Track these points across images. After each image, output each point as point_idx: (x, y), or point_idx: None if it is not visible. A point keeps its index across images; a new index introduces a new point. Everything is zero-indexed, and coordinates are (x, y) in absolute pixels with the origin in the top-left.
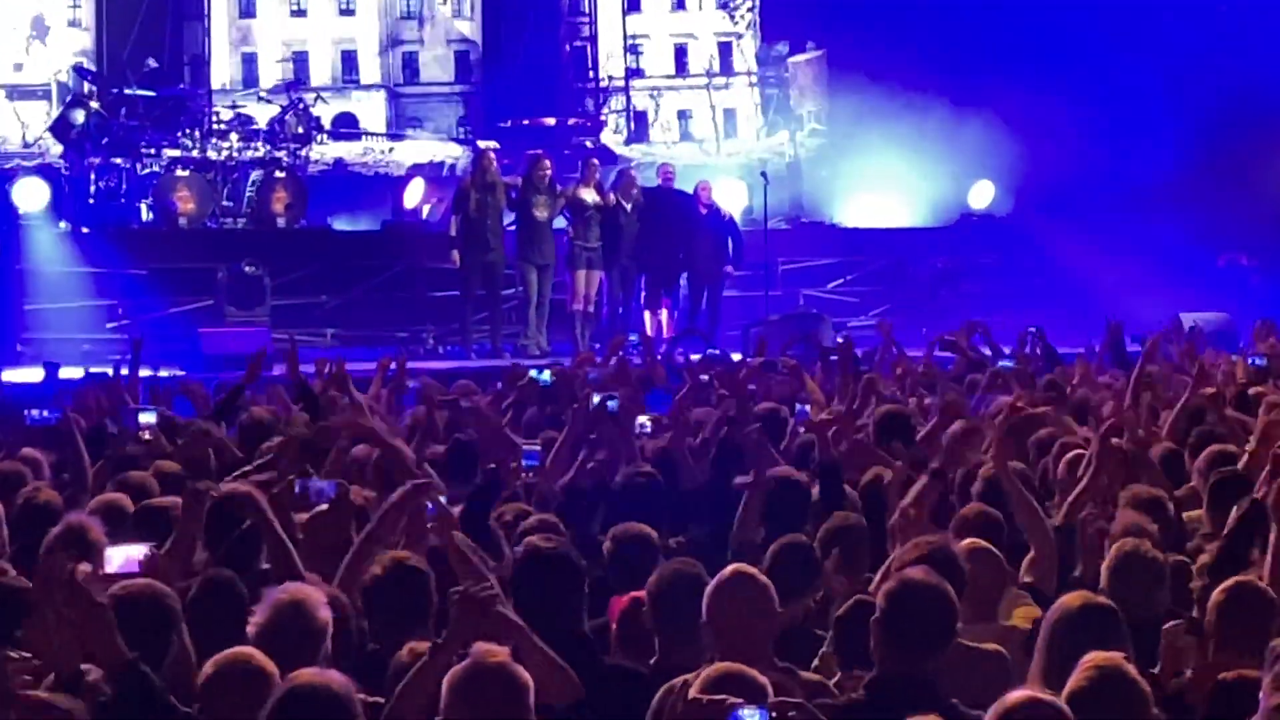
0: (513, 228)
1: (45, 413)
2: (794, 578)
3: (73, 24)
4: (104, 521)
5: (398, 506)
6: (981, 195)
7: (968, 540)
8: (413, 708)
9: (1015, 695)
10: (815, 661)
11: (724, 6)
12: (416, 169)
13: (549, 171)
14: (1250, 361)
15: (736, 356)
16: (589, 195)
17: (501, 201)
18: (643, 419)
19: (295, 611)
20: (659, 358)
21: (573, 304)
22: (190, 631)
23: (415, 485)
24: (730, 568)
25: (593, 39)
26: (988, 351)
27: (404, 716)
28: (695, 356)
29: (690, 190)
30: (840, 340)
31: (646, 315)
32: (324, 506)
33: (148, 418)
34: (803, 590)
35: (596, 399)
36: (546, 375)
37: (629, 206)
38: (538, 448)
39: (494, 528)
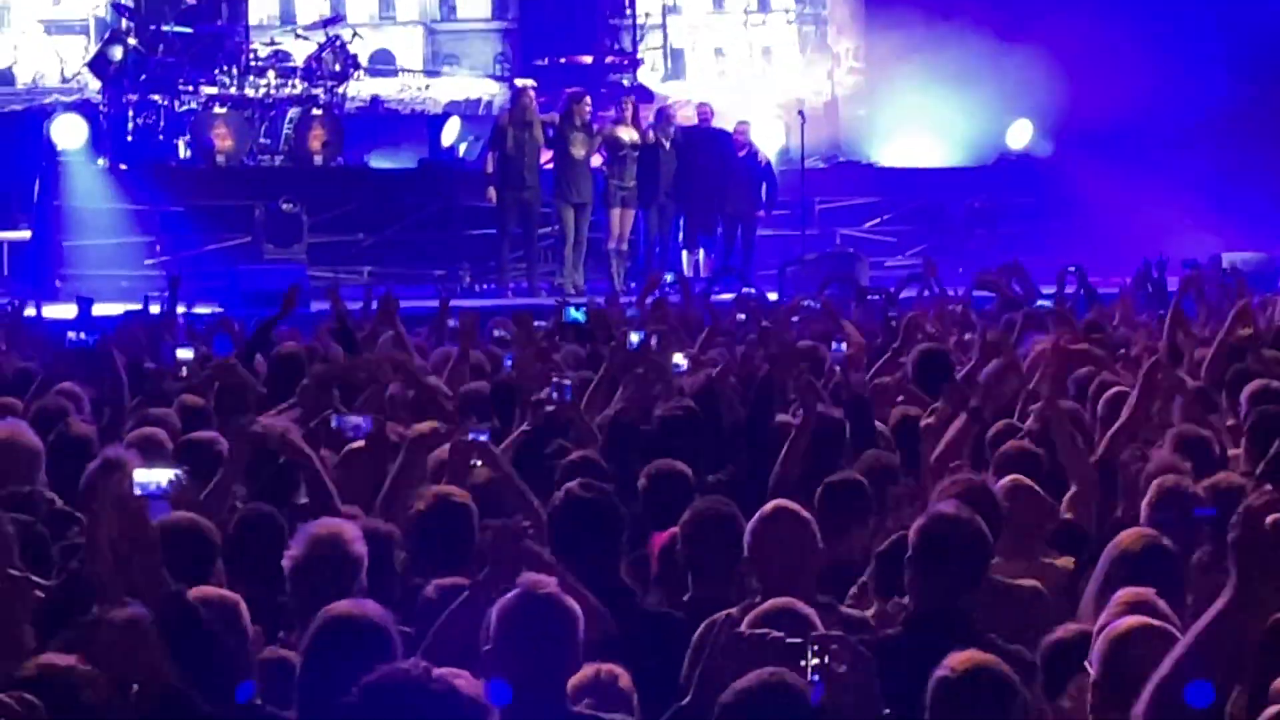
0: (549, 166)
1: (83, 334)
2: (845, 514)
3: None
4: (141, 456)
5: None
6: (1019, 134)
7: (1009, 477)
8: (451, 643)
9: (1127, 621)
10: (853, 590)
11: None
12: (453, 106)
13: (588, 110)
14: None
15: (772, 296)
16: (625, 134)
17: (539, 139)
18: (678, 358)
19: (331, 545)
20: (696, 297)
21: (609, 243)
22: (230, 565)
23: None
24: (772, 503)
25: None
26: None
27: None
28: (729, 295)
29: (728, 129)
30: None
31: (684, 254)
32: (359, 442)
33: (185, 354)
34: (854, 526)
35: (634, 337)
36: (580, 313)
37: (667, 144)
38: (569, 381)
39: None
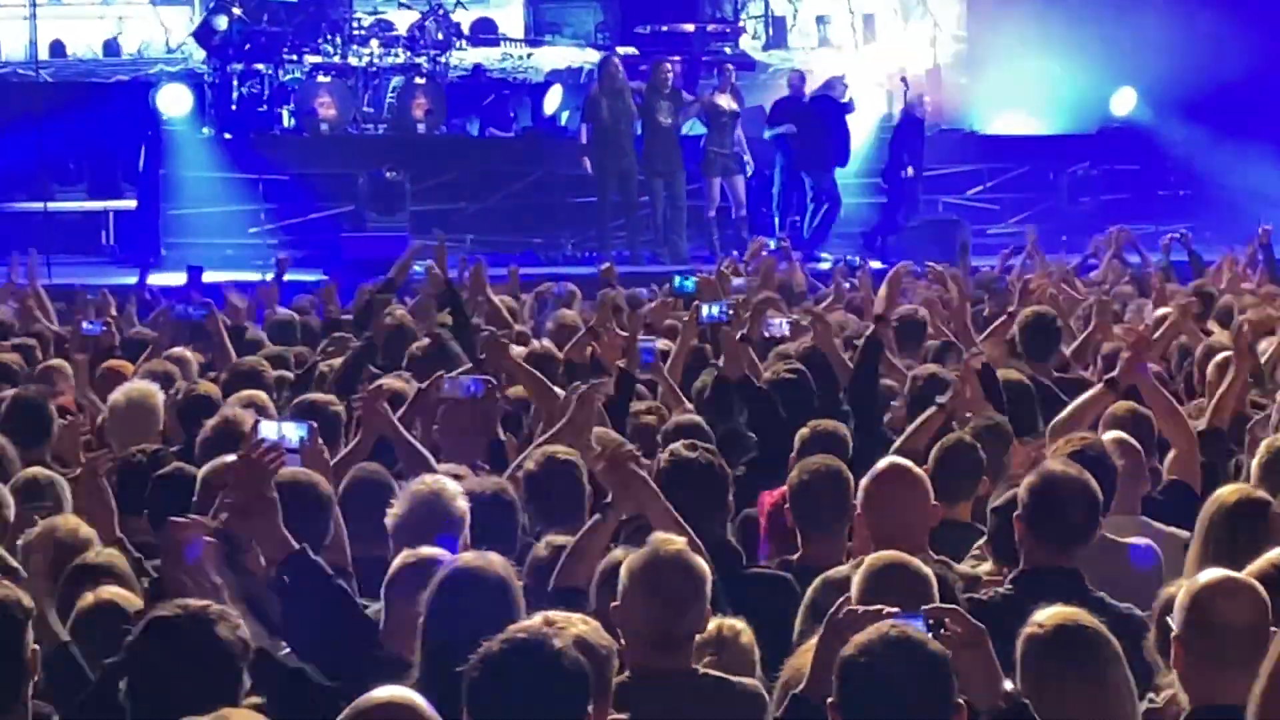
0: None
1: (191, 309)
2: (958, 477)
3: None
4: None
5: (580, 409)
6: (1123, 101)
7: (1114, 433)
8: (580, 574)
9: (1211, 574)
10: (974, 550)
11: None
12: (555, 75)
13: (670, 76)
14: None
15: (876, 264)
16: (724, 101)
17: (632, 107)
18: (779, 319)
19: (432, 502)
20: (800, 262)
21: (709, 210)
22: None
23: (592, 386)
24: (886, 460)
25: None
26: (1136, 259)
27: (571, 584)
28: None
29: (820, 93)
30: None
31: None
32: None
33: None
34: (967, 490)
35: (705, 310)
36: (690, 283)
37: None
38: (653, 343)
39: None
